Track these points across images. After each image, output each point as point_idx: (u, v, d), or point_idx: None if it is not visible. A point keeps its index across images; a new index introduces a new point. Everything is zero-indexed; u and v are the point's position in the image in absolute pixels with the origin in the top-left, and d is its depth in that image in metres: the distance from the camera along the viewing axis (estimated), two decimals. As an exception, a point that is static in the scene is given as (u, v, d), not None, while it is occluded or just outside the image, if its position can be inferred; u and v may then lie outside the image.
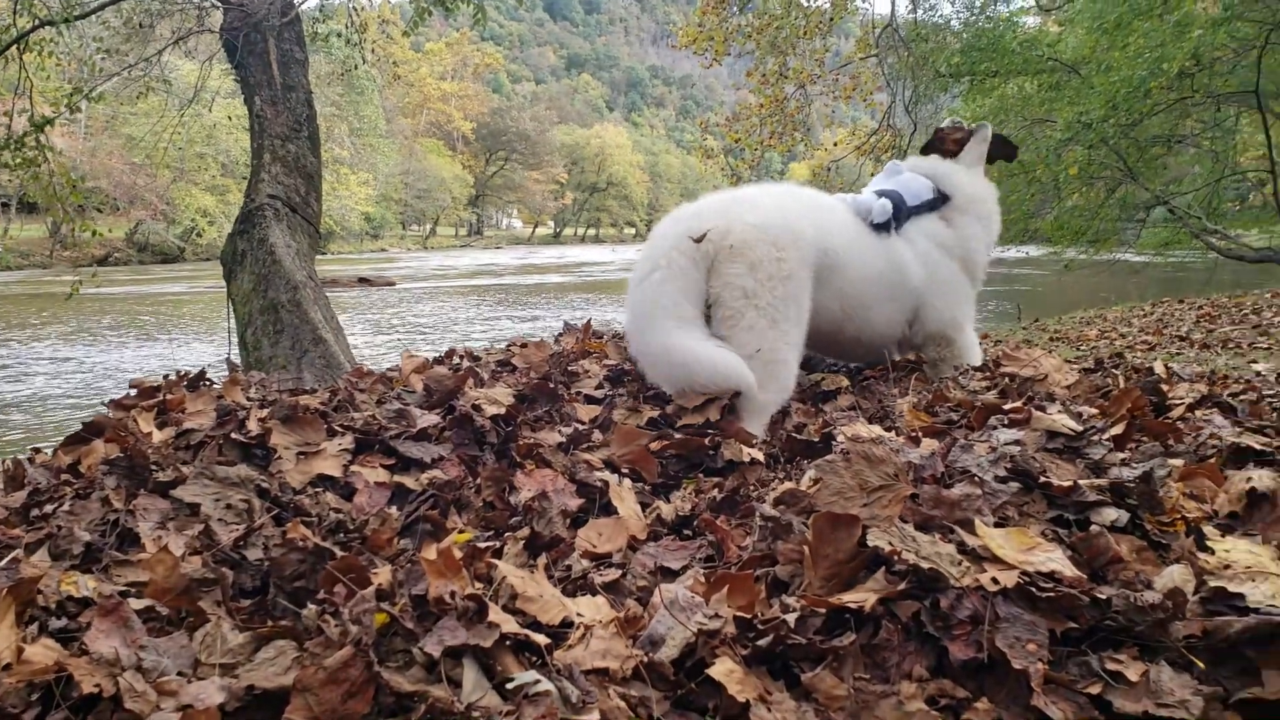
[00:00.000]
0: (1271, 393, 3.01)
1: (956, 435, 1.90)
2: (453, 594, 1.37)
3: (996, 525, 1.55)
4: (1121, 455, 1.76)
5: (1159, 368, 2.82)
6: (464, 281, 34.13)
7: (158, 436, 2.28)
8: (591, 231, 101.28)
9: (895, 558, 1.46)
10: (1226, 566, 1.48)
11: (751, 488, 2.10)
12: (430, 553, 1.45)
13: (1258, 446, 2.24)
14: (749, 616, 1.43)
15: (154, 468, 1.98)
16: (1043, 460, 1.68)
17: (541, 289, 30.33)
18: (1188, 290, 23.03)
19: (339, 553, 1.57)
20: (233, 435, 2.11)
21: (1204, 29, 16.81)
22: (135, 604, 1.51)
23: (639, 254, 2.97)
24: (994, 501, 1.58)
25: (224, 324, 7.03)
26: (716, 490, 2.12)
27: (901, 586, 1.42)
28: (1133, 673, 1.35)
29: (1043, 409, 1.92)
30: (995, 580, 1.42)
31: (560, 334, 3.60)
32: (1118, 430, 2.08)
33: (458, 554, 1.54)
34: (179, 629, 1.47)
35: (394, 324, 20.86)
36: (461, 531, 1.89)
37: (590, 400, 2.76)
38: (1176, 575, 1.46)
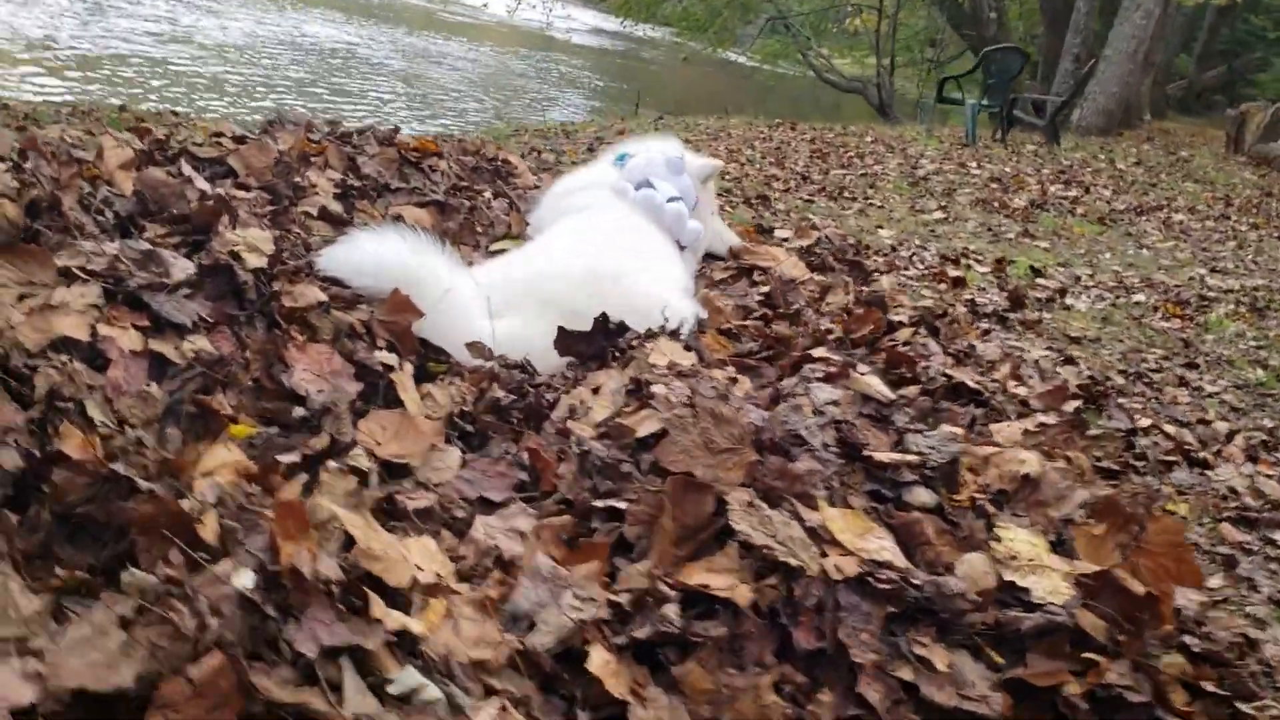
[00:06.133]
0: (961, 312, 3.34)
1: (769, 378, 1.93)
2: (316, 574, 1.20)
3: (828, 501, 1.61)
4: (921, 425, 1.89)
5: (886, 283, 3.03)
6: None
7: None
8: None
9: (747, 539, 1.48)
10: (1013, 557, 1.65)
11: (532, 388, 2.01)
12: (277, 508, 1.25)
13: (971, 384, 2.50)
14: (616, 599, 1.39)
15: None
16: (863, 429, 1.76)
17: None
18: (783, 102, 24.64)
19: (141, 483, 1.30)
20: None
21: None
22: None
23: None
24: (825, 473, 1.64)
25: None
26: (488, 383, 2.00)
27: (762, 574, 1.45)
28: (939, 660, 1.49)
29: (850, 360, 1.99)
30: (839, 569, 1.49)
31: (270, 125, 3.13)
32: (874, 359, 2.23)
33: (291, 495, 1.34)
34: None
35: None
36: (235, 422, 1.65)
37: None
38: (976, 564, 1.61)
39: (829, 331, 2.41)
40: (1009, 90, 12.57)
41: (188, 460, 1.43)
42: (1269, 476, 2.98)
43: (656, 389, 1.80)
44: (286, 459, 1.57)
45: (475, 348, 2.14)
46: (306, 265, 2.16)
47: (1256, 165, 14.59)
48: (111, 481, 1.31)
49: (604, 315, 2.13)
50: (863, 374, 1.93)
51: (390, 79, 15.30)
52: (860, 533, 1.56)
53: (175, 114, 5.75)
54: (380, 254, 2.22)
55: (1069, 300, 4.93)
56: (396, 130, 3.39)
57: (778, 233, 4.86)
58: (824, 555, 1.50)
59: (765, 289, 2.66)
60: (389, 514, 1.57)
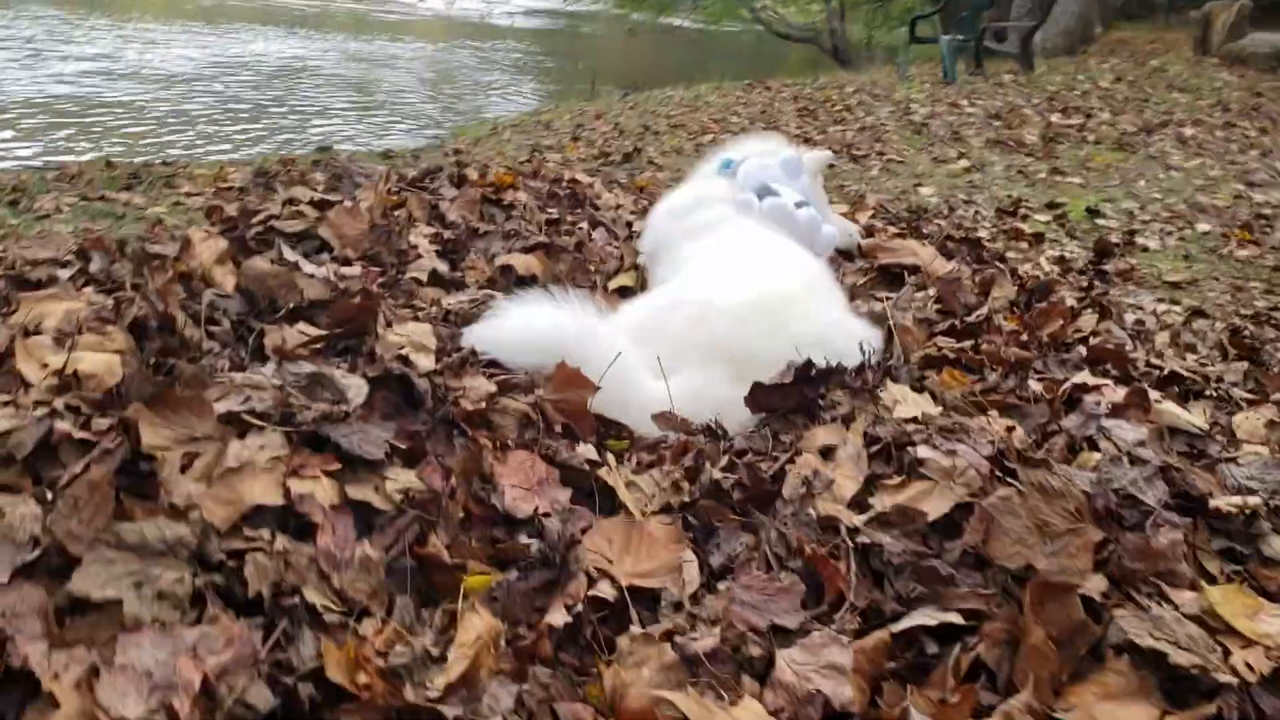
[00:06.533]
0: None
1: (1039, 419, 1.65)
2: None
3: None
4: (1232, 452, 1.62)
5: (1044, 264, 2.76)
6: None
7: None
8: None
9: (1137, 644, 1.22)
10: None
11: (745, 461, 1.72)
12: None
13: (1184, 374, 2.25)
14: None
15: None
16: (1191, 473, 1.49)
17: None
18: (737, 61, 24.28)
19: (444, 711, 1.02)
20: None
21: None
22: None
23: None
24: (1183, 542, 1.37)
25: None
26: (692, 459, 1.71)
27: (1168, 692, 1.19)
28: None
29: (1141, 387, 1.69)
30: (1251, 666, 1.23)
31: (338, 179, 2.79)
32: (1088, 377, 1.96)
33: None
34: None
35: None
36: (464, 570, 1.37)
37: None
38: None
39: (1029, 339, 2.13)
40: (980, 21, 12.31)
41: (448, 650, 1.14)
42: None
43: (925, 453, 1.52)
44: (545, 615, 1.30)
45: (665, 419, 1.85)
46: (469, 353, 1.87)
47: (1230, 65, 14.41)
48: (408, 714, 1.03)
49: (808, 361, 1.84)
50: (1157, 401, 1.67)
51: (348, 89, 14.84)
52: (1251, 612, 1.30)
53: (166, 164, 5.41)
54: (538, 325, 1.94)
55: (1140, 240, 4.70)
56: (464, 167, 3.08)
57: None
58: (1226, 652, 1.24)
59: (930, 292, 2.37)
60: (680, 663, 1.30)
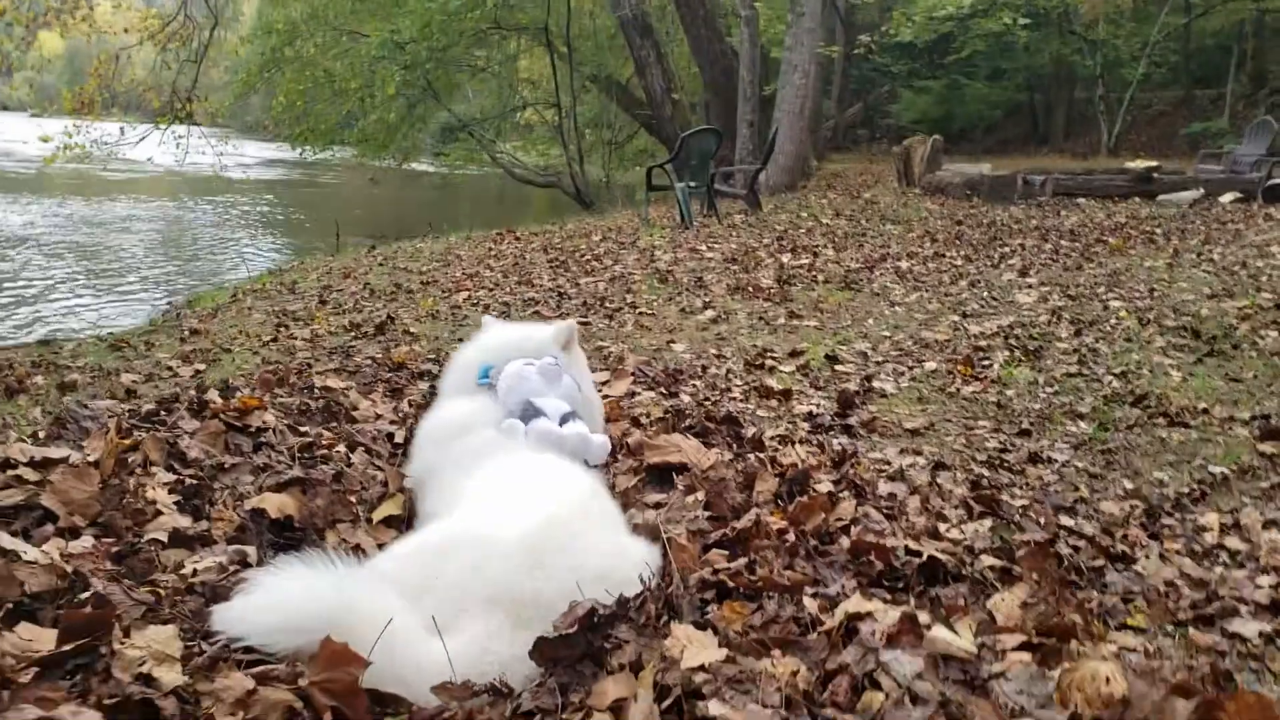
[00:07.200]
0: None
1: (819, 652, 1.65)
2: None
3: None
4: (1003, 665, 1.69)
5: (798, 452, 2.86)
6: None
7: None
8: None
9: None
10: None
11: None
12: None
13: (940, 556, 2.37)
14: None
15: None
16: (965, 704, 1.53)
17: None
18: (481, 204, 24.66)
19: None
20: None
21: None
22: None
23: None
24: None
25: None
26: None
27: None
28: None
29: (911, 612, 1.73)
30: None
31: (61, 426, 2.53)
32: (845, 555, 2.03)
33: None
34: None
35: None
36: None
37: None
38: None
39: (795, 542, 2.18)
40: (710, 168, 13.08)
41: None
42: (1178, 553, 3.04)
43: (715, 709, 1.51)
44: None
45: (445, 690, 1.74)
46: (221, 646, 1.70)
47: (931, 195, 15.95)
48: None
49: (591, 609, 1.79)
50: (927, 625, 1.72)
51: (79, 257, 14.01)
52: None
53: None
54: (292, 602, 1.75)
55: (877, 384, 5.02)
56: (204, 391, 2.87)
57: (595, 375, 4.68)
58: None
59: (700, 496, 2.39)
60: None
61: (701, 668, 1.60)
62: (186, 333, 6.67)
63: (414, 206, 24.36)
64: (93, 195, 21.78)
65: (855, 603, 1.77)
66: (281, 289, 9.78)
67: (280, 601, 1.74)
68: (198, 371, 4.92)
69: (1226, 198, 14.20)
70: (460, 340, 5.78)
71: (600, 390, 4.48)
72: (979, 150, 28.92)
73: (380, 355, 5.18)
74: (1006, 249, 10.21)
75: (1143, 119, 29.24)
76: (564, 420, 2.56)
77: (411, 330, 6.14)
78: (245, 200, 23.97)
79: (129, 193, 23.64)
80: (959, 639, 1.68)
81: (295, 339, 5.95)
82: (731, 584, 1.92)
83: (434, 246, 12.33)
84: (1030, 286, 8.03)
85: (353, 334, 6.05)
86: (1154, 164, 16.47)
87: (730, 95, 19.67)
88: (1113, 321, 6.54)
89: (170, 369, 4.96)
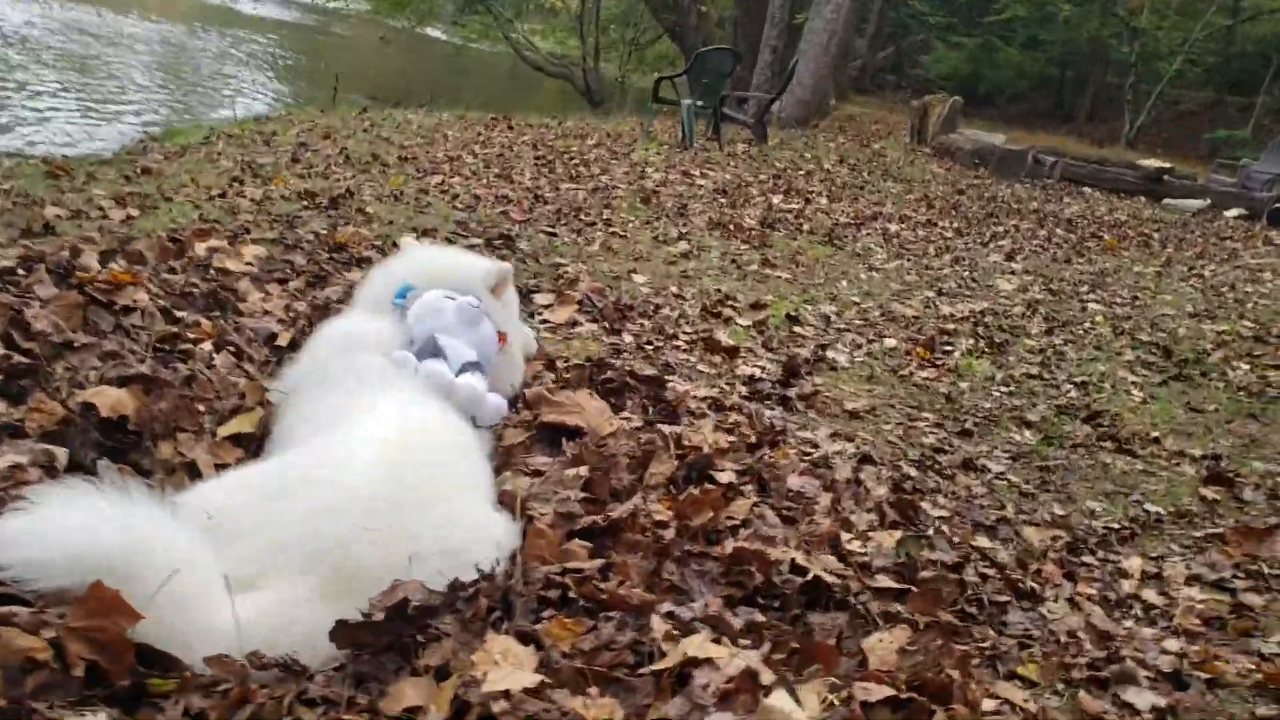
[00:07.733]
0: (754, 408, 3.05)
1: (644, 696, 1.47)
2: None
3: None
4: None
5: (706, 434, 2.65)
6: None
7: None
8: None
9: None
10: None
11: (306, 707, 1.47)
12: None
13: (828, 578, 2.19)
14: None
15: None
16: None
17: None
18: (488, 84, 24.02)
19: None
20: None
21: None
22: None
23: None
24: None
25: None
26: (249, 714, 1.43)
27: None
28: None
29: (752, 669, 1.54)
30: None
31: None
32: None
33: None
34: None
35: None
36: None
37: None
38: None
39: (670, 542, 1.98)
40: (722, 89, 12.69)
41: None
42: (1090, 599, 2.90)
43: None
44: None
45: (219, 663, 1.54)
46: None
47: (940, 157, 15.60)
48: None
49: (406, 598, 1.58)
50: (769, 685, 1.52)
51: (67, 70, 13.49)
52: None
53: None
54: (72, 537, 1.51)
55: (830, 354, 4.83)
56: (76, 256, 2.58)
57: (537, 298, 4.46)
58: None
59: (581, 472, 2.18)
60: None
61: (506, 694, 1.41)
62: (138, 171, 6.36)
63: (420, 73, 23.66)
64: (105, 5, 20.97)
65: (699, 643, 1.59)
66: (258, 138, 9.40)
67: (52, 532, 1.52)
68: (129, 217, 4.64)
69: (1231, 212, 13.96)
70: (415, 230, 5.55)
71: (540, 314, 4.27)
72: (999, 117, 28.41)
73: (325, 231, 4.93)
74: (1000, 229, 9.97)
75: (1167, 115, 28.75)
76: (463, 370, 2.34)
77: (367, 209, 5.86)
78: (254, 37, 23.24)
79: (137, 7, 22.83)
80: (797, 711, 1.50)
81: (244, 197, 5.66)
82: (576, 593, 1.73)
83: (424, 120, 11.92)
84: (1014, 273, 7.82)
85: (305, 203, 5.76)
86: (1167, 165, 16.19)
87: (761, 15, 19.06)
88: (1087, 325, 6.37)
89: (101, 209, 4.68)
